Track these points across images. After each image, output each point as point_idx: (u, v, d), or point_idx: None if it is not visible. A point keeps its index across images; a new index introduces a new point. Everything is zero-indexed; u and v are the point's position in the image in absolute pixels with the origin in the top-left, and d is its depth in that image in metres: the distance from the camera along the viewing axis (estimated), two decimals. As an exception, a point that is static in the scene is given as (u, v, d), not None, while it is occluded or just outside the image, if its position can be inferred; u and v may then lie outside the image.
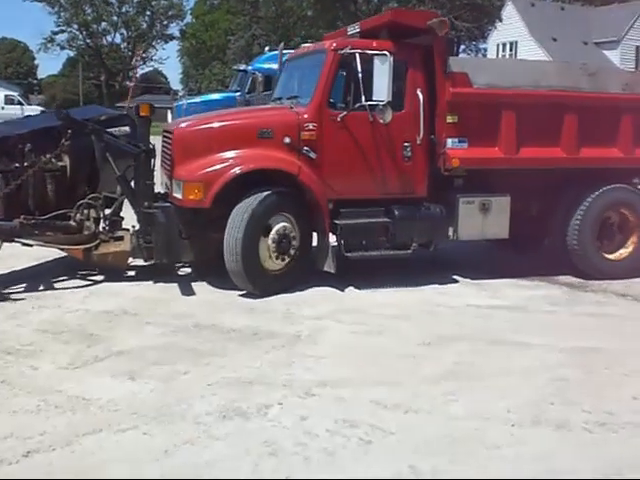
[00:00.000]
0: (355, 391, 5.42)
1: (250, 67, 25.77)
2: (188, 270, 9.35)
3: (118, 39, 67.90)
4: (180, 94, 60.51)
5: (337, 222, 8.47)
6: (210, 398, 5.25)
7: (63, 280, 8.72)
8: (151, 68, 76.56)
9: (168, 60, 76.73)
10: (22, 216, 8.25)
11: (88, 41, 66.13)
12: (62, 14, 63.92)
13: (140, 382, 5.55)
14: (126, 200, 8.82)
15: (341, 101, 8.76)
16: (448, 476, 4.19)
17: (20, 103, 43.52)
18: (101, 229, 8.81)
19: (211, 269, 8.70)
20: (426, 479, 3.87)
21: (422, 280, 8.94)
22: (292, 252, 8.32)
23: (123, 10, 65.45)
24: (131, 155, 8.56)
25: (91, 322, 7.07)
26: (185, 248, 8.58)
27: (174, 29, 68.91)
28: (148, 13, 65.61)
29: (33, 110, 42.13)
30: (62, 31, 65.08)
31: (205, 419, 4.90)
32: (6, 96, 43.99)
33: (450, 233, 8.95)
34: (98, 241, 8.63)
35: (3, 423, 4.82)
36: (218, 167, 8.13)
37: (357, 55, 8.40)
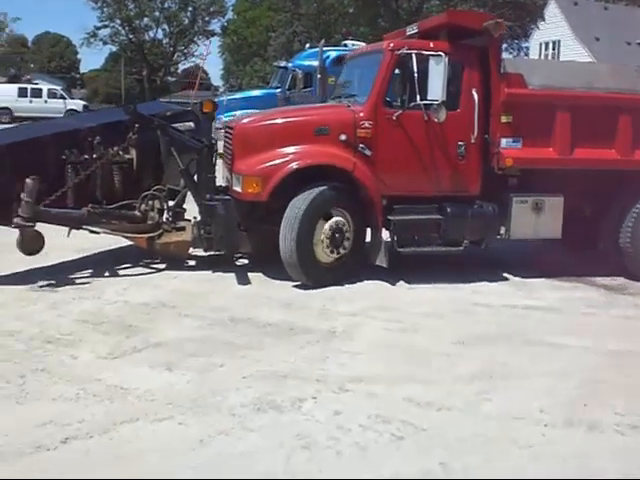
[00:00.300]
0: (388, 388, 5.46)
1: (290, 64, 25.89)
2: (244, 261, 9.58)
3: (160, 35, 68.57)
4: (221, 90, 60.95)
5: (390, 218, 8.66)
6: (245, 391, 5.32)
7: (104, 272, 8.87)
8: (192, 64, 77.12)
9: (209, 56, 77.46)
10: (90, 205, 8.64)
11: (130, 36, 66.76)
12: (105, 9, 64.74)
13: (177, 373, 5.64)
14: (189, 193, 9.22)
15: (397, 100, 8.90)
16: (479, 476, 4.21)
17: (63, 97, 44.01)
18: (164, 220, 9.22)
19: (268, 260, 8.90)
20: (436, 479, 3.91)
21: (459, 279, 8.95)
22: (345, 246, 8.55)
23: (165, 6, 66.01)
24: (194, 149, 8.93)
25: (130, 314, 7.19)
26: (243, 240, 8.94)
27: (215, 25, 69.40)
28: (190, 9, 66.08)
29: (75, 104, 42.92)
30: (105, 26, 65.92)
31: (240, 411, 4.97)
32: (49, 90, 44.49)
33: (502, 232, 9.08)
34: (161, 231, 9.04)
35: (43, 410, 4.93)
36: (276, 162, 8.42)
37: (413, 55, 8.56)
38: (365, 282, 8.65)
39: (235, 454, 4.36)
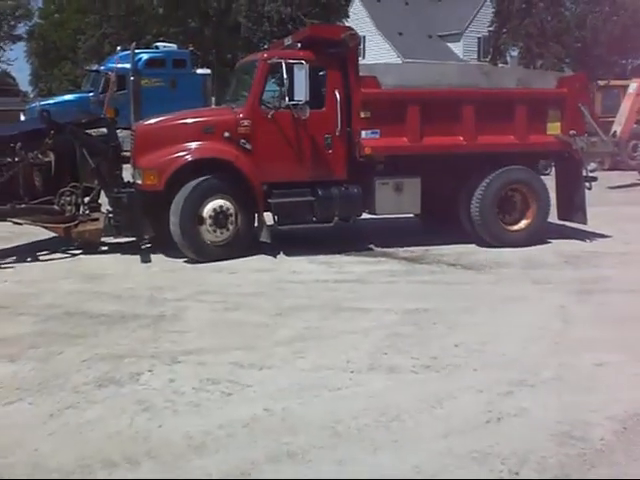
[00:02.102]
0: (216, 356, 6.17)
1: (103, 67, 25.87)
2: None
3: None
4: (31, 96, 58.97)
5: (270, 201, 10.15)
6: (86, 371, 5.84)
7: None
8: (-1, 70, 74.12)
9: (16, 61, 74.51)
10: (13, 201, 10.07)
11: None
12: None
13: (20, 363, 6.06)
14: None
15: (271, 101, 10.43)
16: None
17: None
18: (81, 212, 10.45)
19: (169, 243, 10.18)
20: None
21: (274, 261, 9.96)
22: (229, 227, 9.94)
23: (-33, 10, 63.15)
24: (102, 150, 10.47)
25: (-35, 317, 7.47)
26: (147, 226, 10.41)
27: (22, 29, 66.93)
28: (-6, 13, 63.66)
29: None
30: None
31: (83, 388, 5.49)
32: None
33: (370, 209, 10.73)
34: (77, 221, 10.30)
35: None
36: (170, 157, 9.86)
37: (283, 63, 10.03)
38: (187, 272, 9.46)
39: (83, 423, 4.90)
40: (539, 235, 11.12)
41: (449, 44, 55.94)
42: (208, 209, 9.84)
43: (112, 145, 10.61)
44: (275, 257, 10.20)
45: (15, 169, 10.22)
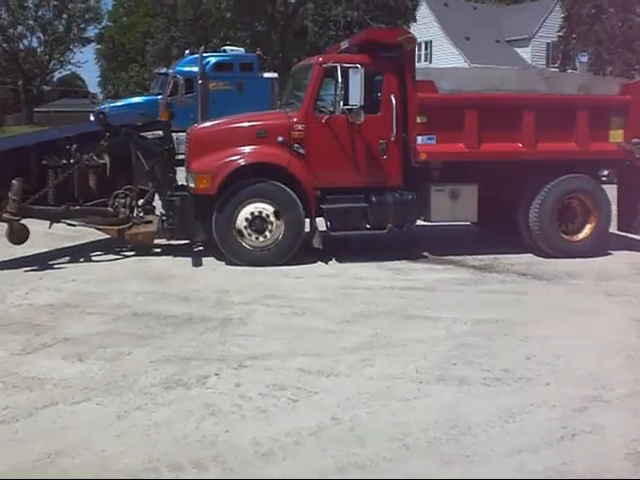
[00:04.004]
0: (282, 362, 6.10)
1: (171, 70, 26.16)
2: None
3: (35, 43, 67.04)
4: (100, 97, 60.12)
5: (323, 207, 10.10)
6: (153, 373, 5.84)
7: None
8: (69, 71, 75.69)
9: (86, 63, 76.19)
10: (67, 202, 10.19)
11: (4, 45, 65.04)
12: (-24, 19, 62.91)
13: (88, 363, 6.11)
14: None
15: (326, 106, 10.23)
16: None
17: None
18: (135, 215, 10.60)
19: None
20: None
21: (341, 267, 9.86)
22: (268, 232, 9.88)
23: (39, 14, 64.58)
24: (157, 153, 10.53)
25: (36, 314, 7.57)
26: (199, 230, 10.34)
27: (92, 32, 68.32)
28: (65, 17, 64.85)
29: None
30: (-24, 36, 64.03)
31: (150, 390, 5.49)
32: None
33: (425, 216, 10.56)
34: (130, 223, 10.45)
35: (-34, 403, 5.33)
36: (223, 161, 9.87)
37: (338, 67, 9.87)
38: (253, 275, 9.41)
39: (150, 424, 4.89)
40: (600, 246, 10.78)
41: (517, 49, 55.15)
42: (244, 213, 9.86)
43: (166, 148, 10.64)
44: (340, 263, 10.12)
45: (70, 171, 10.34)
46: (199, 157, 10.07)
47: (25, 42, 66.69)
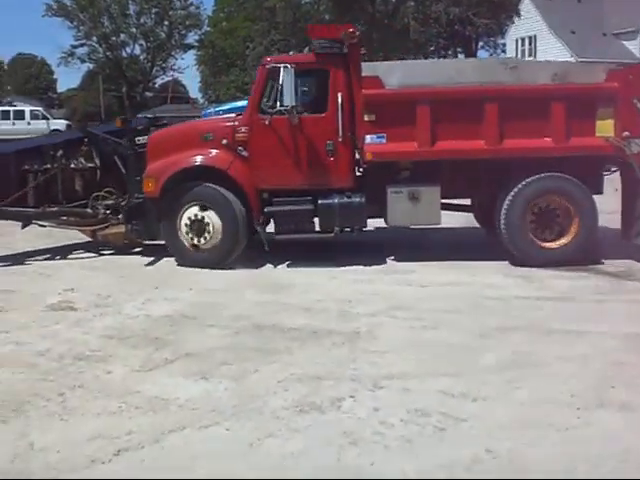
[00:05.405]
0: (421, 382, 5.62)
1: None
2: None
3: (137, 50, 68.35)
4: (202, 102, 60.87)
5: (266, 209, 9.96)
6: (283, 394, 5.45)
7: (115, 289, 9.00)
8: (170, 77, 77.06)
9: (187, 69, 77.29)
10: (46, 204, 10.73)
11: (108, 53, 66.45)
12: (81, 28, 64.42)
13: (213, 381, 5.77)
14: None
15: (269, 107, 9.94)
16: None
17: (45, 117, 43.93)
18: (113, 216, 10.92)
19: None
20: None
21: (467, 273, 9.24)
22: (207, 233, 9.92)
23: (141, 21, 65.63)
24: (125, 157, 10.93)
25: (153, 327, 7.32)
26: (158, 230, 10.46)
27: (192, 38, 69.19)
28: (166, 23, 65.75)
29: (59, 124, 42.65)
30: (82, 45, 65.63)
31: (282, 413, 5.10)
32: (31, 111, 44.42)
33: (384, 219, 10.01)
34: (107, 224, 10.82)
35: (88, 425, 5.04)
36: (165, 165, 10.05)
37: (278, 68, 9.55)
38: (374, 285, 8.90)
39: (286, 454, 4.50)
40: (584, 254, 9.65)
41: (625, 42, 53.08)
42: (186, 215, 9.96)
43: (130, 152, 10.84)
44: (468, 269, 9.49)
45: (48, 175, 10.93)
46: (153, 161, 10.22)
47: (128, 50, 68.10)
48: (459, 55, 53.58)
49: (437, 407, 5.11)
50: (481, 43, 56.62)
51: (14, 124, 41.62)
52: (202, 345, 6.66)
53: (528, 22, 49.75)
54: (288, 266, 10.10)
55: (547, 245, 9.66)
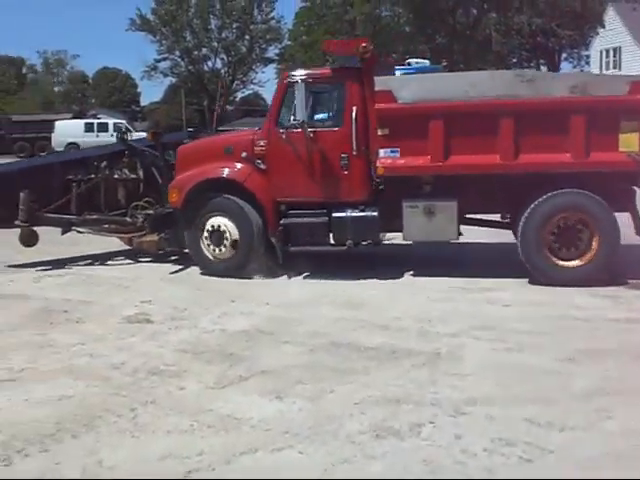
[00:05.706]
0: (505, 409, 5.35)
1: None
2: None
3: (219, 64, 69.23)
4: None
5: (282, 221, 10.10)
6: (360, 417, 5.26)
7: (192, 303, 8.95)
8: (251, 91, 77.81)
9: (267, 83, 77.78)
10: (87, 212, 11.45)
11: (190, 67, 67.59)
12: (164, 42, 65.66)
13: (287, 401, 5.62)
14: None
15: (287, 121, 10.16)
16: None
17: (128, 130, 44.69)
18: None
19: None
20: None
21: (549, 292, 8.89)
22: (225, 244, 10.21)
23: (223, 36, 66.38)
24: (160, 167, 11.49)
25: (229, 342, 7.23)
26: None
27: (272, 52, 69.79)
28: (247, 37, 66.53)
29: (139, 136, 43.36)
30: (164, 59, 66.90)
31: (359, 438, 4.90)
32: (115, 124, 45.32)
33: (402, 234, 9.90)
34: (144, 232, 11.21)
35: (159, 443, 4.96)
36: (188, 177, 10.45)
37: (297, 83, 9.75)
38: (457, 303, 8.61)
39: (362, 482, 4.30)
40: (604, 274, 9.19)
41: None
42: (207, 225, 10.29)
43: (162, 164, 11.39)
44: (551, 288, 9.07)
45: (89, 184, 11.61)
46: (180, 172, 10.70)
47: (209, 64, 69.07)
48: (542, 68, 52.65)
49: (522, 437, 4.83)
50: (564, 55, 55.59)
51: (98, 136, 42.48)
52: (277, 362, 6.52)
53: (613, 33, 48.47)
54: (364, 279, 9.89)
55: (564, 264, 9.30)
